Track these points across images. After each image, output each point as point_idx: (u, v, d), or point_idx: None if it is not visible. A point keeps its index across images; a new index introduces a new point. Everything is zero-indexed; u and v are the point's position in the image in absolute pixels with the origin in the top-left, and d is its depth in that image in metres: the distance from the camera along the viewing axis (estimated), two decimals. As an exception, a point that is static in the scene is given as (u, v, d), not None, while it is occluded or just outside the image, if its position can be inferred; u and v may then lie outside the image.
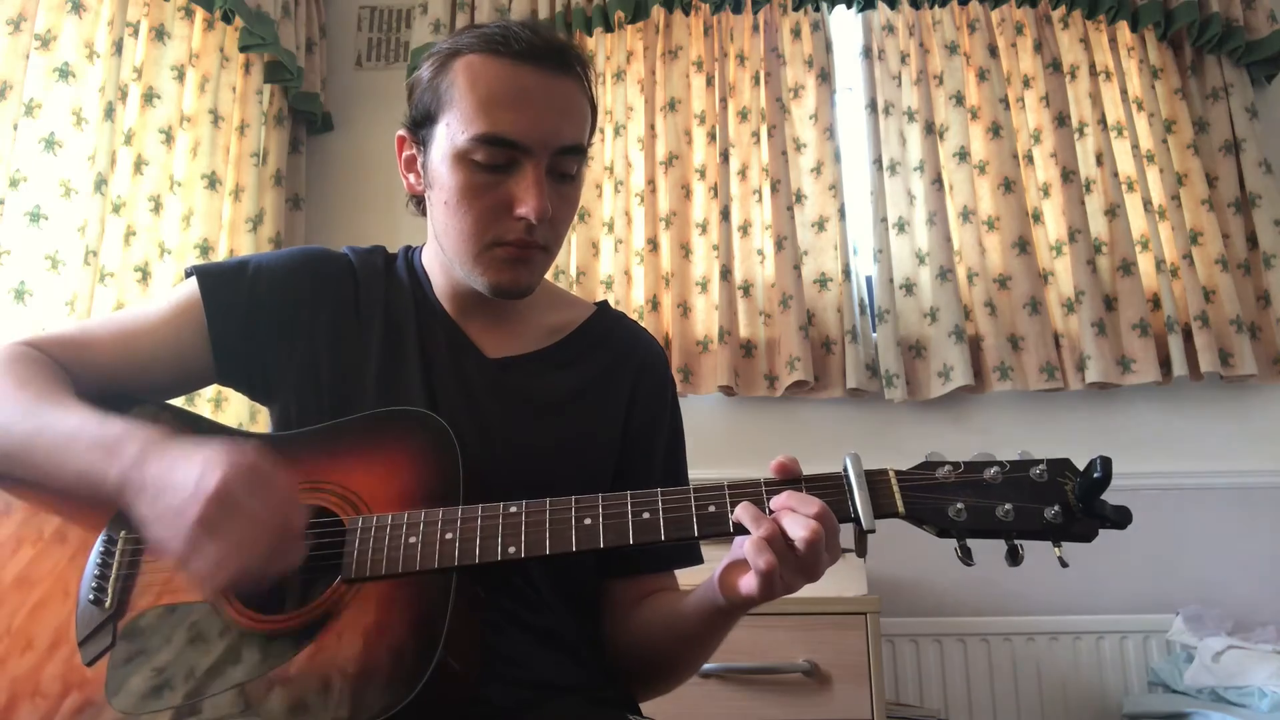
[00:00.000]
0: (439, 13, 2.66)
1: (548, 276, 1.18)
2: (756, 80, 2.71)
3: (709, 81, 2.71)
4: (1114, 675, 2.29)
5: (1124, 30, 2.71)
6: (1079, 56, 2.67)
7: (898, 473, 0.90)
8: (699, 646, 1.06)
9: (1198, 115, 2.65)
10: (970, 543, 0.87)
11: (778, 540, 0.84)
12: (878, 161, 2.60)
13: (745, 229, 2.61)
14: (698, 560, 1.15)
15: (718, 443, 2.51)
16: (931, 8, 2.71)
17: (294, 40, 2.51)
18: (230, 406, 2.26)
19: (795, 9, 2.73)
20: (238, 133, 2.44)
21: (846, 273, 2.53)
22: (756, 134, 2.68)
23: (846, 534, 0.88)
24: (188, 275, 1.12)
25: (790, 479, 0.90)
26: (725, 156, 2.60)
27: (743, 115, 2.68)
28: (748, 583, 0.87)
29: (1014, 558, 0.86)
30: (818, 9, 2.73)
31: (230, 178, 2.41)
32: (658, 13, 2.72)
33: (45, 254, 1.92)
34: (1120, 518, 0.84)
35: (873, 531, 0.86)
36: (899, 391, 2.43)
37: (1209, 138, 2.63)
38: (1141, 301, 2.46)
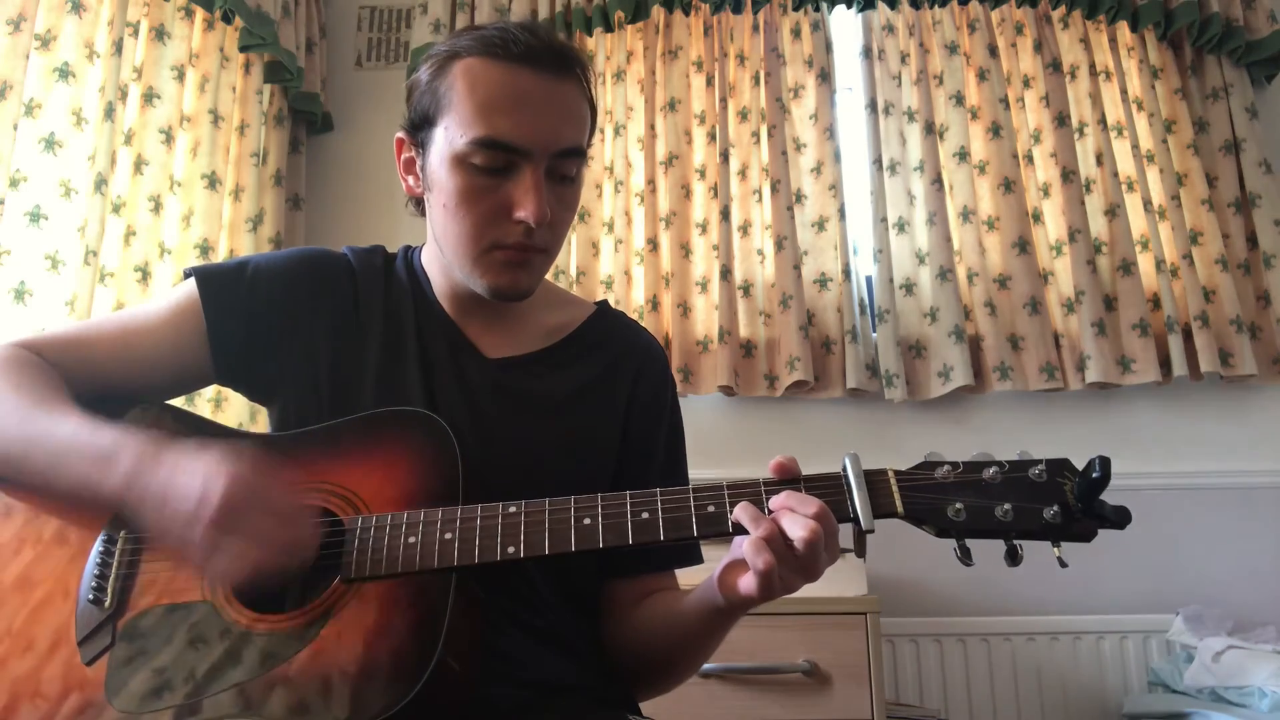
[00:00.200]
0: (439, 13, 2.66)
1: (547, 276, 1.18)
2: (756, 80, 2.71)
3: (709, 81, 2.71)
4: (1114, 675, 2.29)
5: (1124, 30, 2.71)
6: (1079, 56, 2.67)
7: (897, 473, 0.90)
8: (698, 647, 1.06)
9: (1198, 115, 2.65)
10: (969, 543, 0.87)
11: (776, 540, 0.84)
12: (878, 161, 2.60)
13: (745, 229, 2.61)
14: (698, 560, 1.15)
15: (718, 443, 2.51)
16: (931, 8, 2.71)
17: (294, 40, 2.51)
18: (230, 406, 2.26)
19: (795, 9, 2.73)
20: (238, 133, 2.44)
21: (846, 273, 2.53)
22: (756, 134, 2.68)
23: (846, 534, 0.88)
24: (187, 276, 1.12)
25: (789, 479, 0.90)
26: (725, 156, 2.60)
27: (743, 115, 2.69)
28: (746, 583, 0.87)
29: (1013, 558, 0.86)
30: (818, 9, 2.73)
31: (230, 178, 2.41)
32: (658, 13, 2.72)
33: (45, 254, 1.92)
34: (1119, 518, 0.84)
35: (871, 532, 0.86)
36: (899, 391, 2.43)
37: (1209, 138, 2.63)
38: (1141, 301, 2.46)
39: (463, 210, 1.02)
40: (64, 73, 2.00)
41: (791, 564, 0.85)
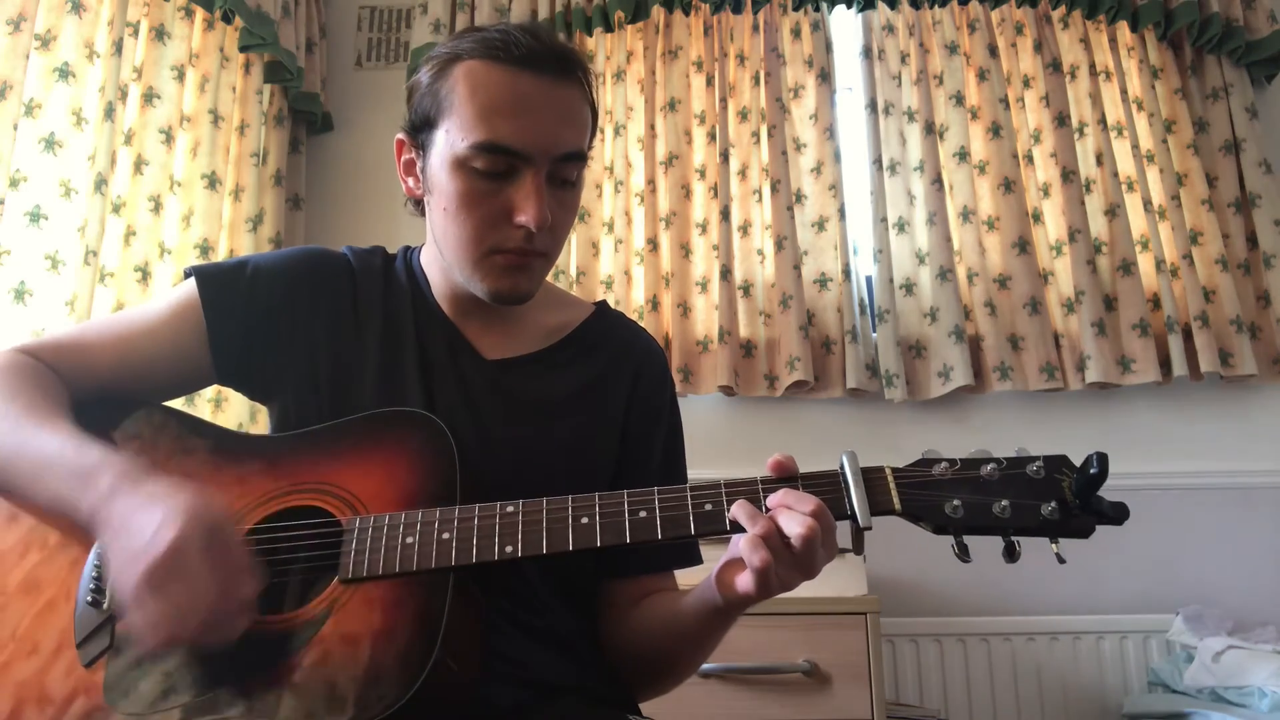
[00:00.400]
0: (439, 13, 2.66)
1: (547, 277, 1.18)
2: (756, 80, 2.71)
3: (709, 81, 2.71)
4: (1114, 675, 2.29)
5: (1124, 30, 2.71)
6: (1079, 56, 2.67)
7: (894, 470, 0.90)
8: (697, 646, 1.06)
9: (1198, 115, 2.65)
10: (968, 541, 0.87)
11: (774, 538, 0.84)
12: (878, 161, 2.60)
13: (745, 229, 2.61)
14: (696, 561, 1.14)
15: (717, 443, 2.51)
16: (931, 8, 2.71)
17: (294, 40, 2.51)
18: (230, 406, 2.26)
19: (795, 9, 2.73)
20: (238, 133, 2.44)
21: (846, 273, 2.53)
22: (756, 134, 2.68)
23: (844, 533, 0.88)
24: (186, 276, 1.12)
25: (787, 477, 0.90)
26: (725, 156, 2.60)
27: (743, 115, 2.69)
28: (744, 581, 0.87)
29: (1011, 554, 0.86)
30: (818, 9, 2.73)
31: (230, 178, 2.41)
32: (658, 13, 2.72)
33: (45, 254, 1.92)
34: (1117, 514, 0.84)
35: (869, 529, 0.86)
36: (899, 391, 2.43)
37: (1209, 138, 2.63)
38: (1141, 301, 2.46)
39: (463, 214, 1.01)
40: (64, 73, 2.00)
41: (789, 561, 0.85)
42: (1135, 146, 2.59)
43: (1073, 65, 2.67)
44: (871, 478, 0.89)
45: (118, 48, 2.08)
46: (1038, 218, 2.60)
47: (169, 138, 2.23)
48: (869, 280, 2.60)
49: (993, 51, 2.67)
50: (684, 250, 2.61)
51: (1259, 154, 2.57)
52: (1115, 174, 2.56)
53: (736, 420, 2.55)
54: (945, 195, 2.58)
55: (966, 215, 2.58)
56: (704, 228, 2.64)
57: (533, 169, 1.00)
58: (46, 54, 1.99)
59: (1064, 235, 2.53)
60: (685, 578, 1.13)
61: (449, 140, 1.01)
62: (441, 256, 1.09)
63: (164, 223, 2.22)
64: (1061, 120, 2.59)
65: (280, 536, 0.94)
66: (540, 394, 1.11)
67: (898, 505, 0.87)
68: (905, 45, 2.71)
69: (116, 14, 2.09)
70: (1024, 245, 2.52)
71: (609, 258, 2.59)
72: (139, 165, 2.17)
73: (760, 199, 2.64)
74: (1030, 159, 2.64)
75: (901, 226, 2.59)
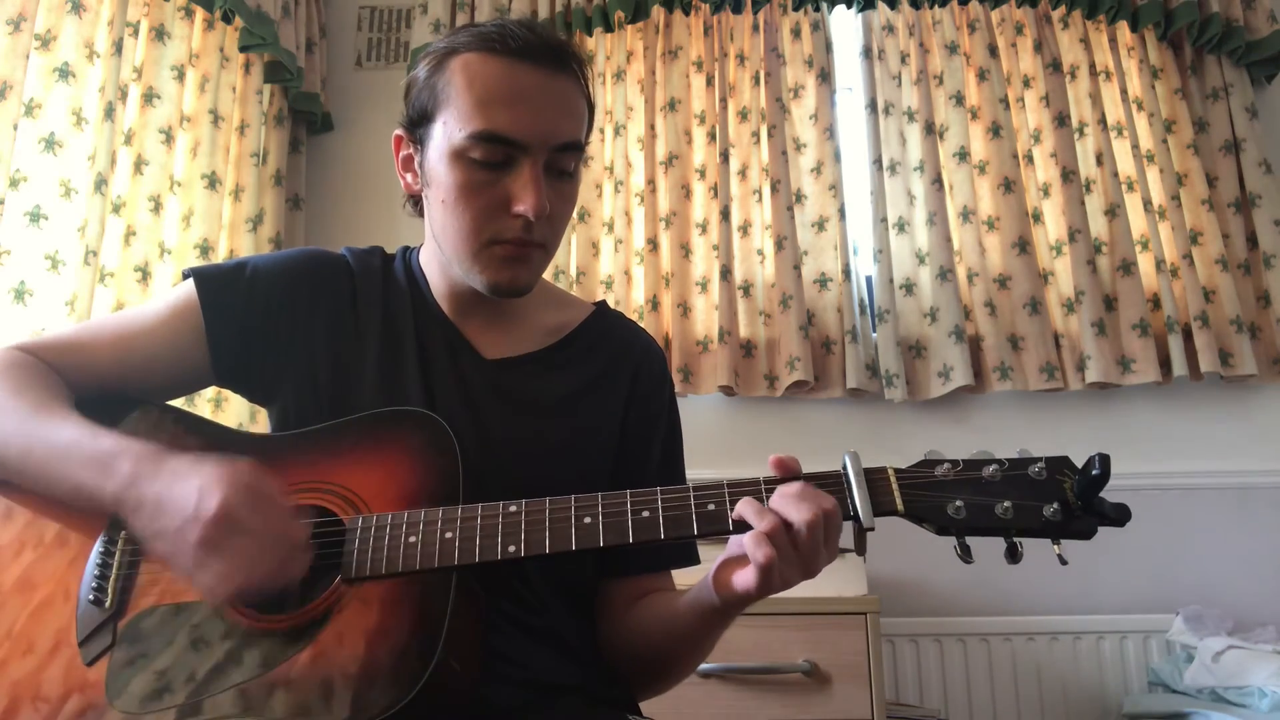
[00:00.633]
0: (439, 13, 2.66)
1: (547, 276, 1.18)
2: (756, 80, 2.71)
3: (709, 81, 2.71)
4: (1114, 675, 2.29)
5: (1124, 30, 2.71)
6: (1079, 56, 2.67)
7: (897, 471, 0.90)
8: (695, 646, 1.06)
9: (1198, 115, 2.65)
10: (970, 541, 0.87)
11: (779, 534, 0.84)
12: (878, 161, 2.60)
13: (745, 229, 2.61)
14: (694, 561, 1.15)
15: (718, 443, 2.51)
16: (931, 8, 2.71)
17: (294, 40, 2.51)
18: (230, 406, 2.26)
19: (795, 9, 2.73)
20: (238, 133, 2.44)
21: (846, 273, 2.53)
22: (756, 134, 2.68)
23: (846, 533, 0.88)
24: (185, 277, 1.12)
25: (789, 477, 0.90)
26: (725, 156, 2.60)
27: (743, 115, 2.69)
28: (744, 578, 0.87)
29: (1013, 555, 0.86)
30: (818, 9, 2.73)
31: (230, 178, 2.41)
32: (658, 13, 2.72)
33: (45, 254, 1.92)
34: (1119, 515, 0.84)
35: (872, 529, 0.86)
36: (899, 391, 2.43)
37: (1209, 138, 2.63)
38: (1141, 301, 2.46)
39: (461, 205, 1.01)
40: (64, 73, 2.00)
41: (791, 558, 0.85)
42: (1135, 146, 2.59)
43: (1073, 65, 2.67)
44: (874, 478, 0.89)
45: (118, 48, 2.08)
46: (1038, 218, 2.60)
47: (169, 138, 2.23)
48: (869, 280, 2.60)
49: (993, 51, 2.67)
50: (684, 250, 2.61)
51: (1259, 154, 2.57)
52: (1115, 174, 2.56)
53: (736, 420, 2.55)
54: (945, 195, 2.58)
55: (966, 215, 2.58)
56: (704, 228, 2.64)
57: (530, 159, 1.00)
58: (46, 54, 1.99)
59: (1064, 235, 2.53)
60: (683, 578, 1.13)
61: (446, 132, 1.01)
62: (441, 252, 1.09)
63: (164, 223, 2.22)
64: (1061, 120, 2.59)
65: (282, 536, 0.94)
66: (540, 393, 1.11)
67: (900, 506, 0.87)
68: (905, 45, 2.71)
69: (116, 14, 2.09)
70: (1024, 245, 2.52)
71: (609, 258, 2.59)
72: (139, 165, 2.17)
73: (760, 199, 2.64)
74: (1030, 159, 2.64)
75: (901, 226, 2.59)
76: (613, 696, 1.06)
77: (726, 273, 2.51)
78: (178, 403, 1.12)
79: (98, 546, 0.95)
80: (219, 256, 2.32)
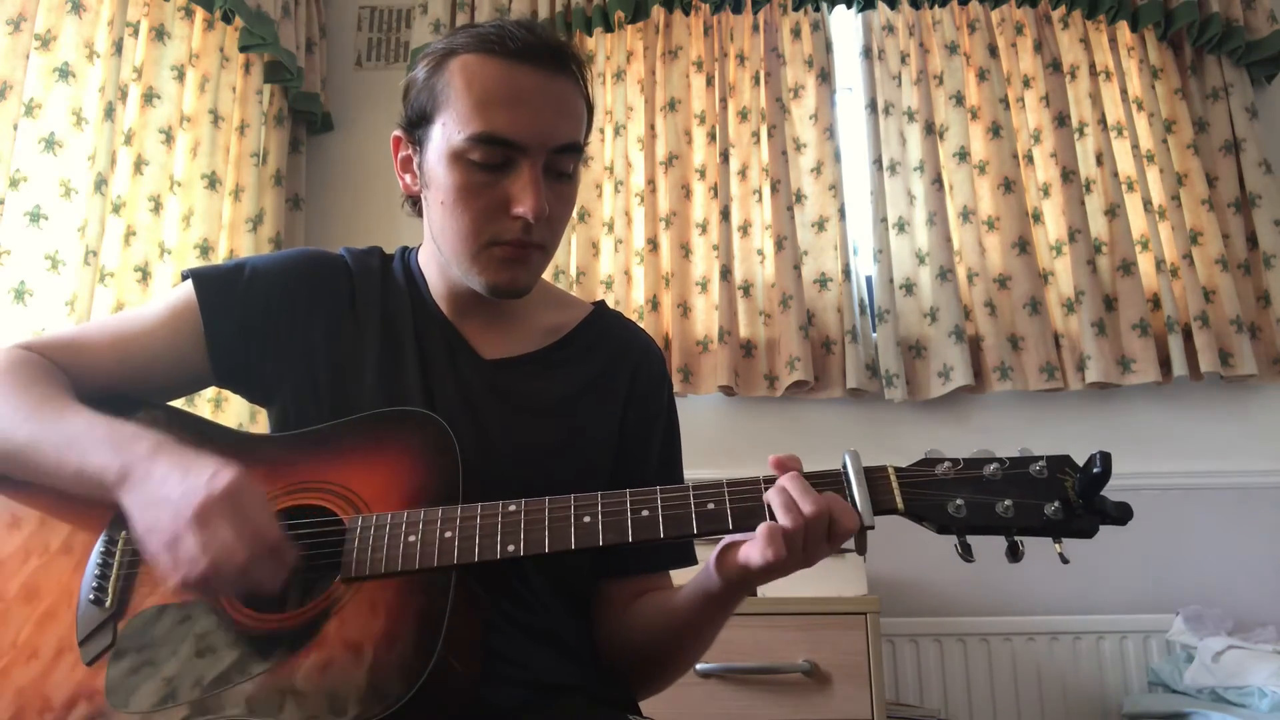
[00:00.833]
0: (439, 13, 2.66)
1: (547, 276, 1.18)
2: (756, 80, 2.71)
3: (709, 81, 2.71)
4: (1114, 675, 2.29)
5: (1124, 30, 2.71)
6: (1079, 56, 2.67)
7: (897, 469, 0.90)
8: (696, 636, 1.06)
9: (1198, 115, 2.65)
10: (970, 540, 0.87)
11: (796, 535, 0.85)
12: (878, 161, 2.60)
13: (745, 229, 2.61)
14: (692, 561, 1.15)
15: (718, 443, 2.51)
16: (931, 8, 2.72)
17: (294, 40, 2.51)
18: (230, 406, 2.26)
19: (795, 9, 2.73)
20: (238, 133, 2.44)
21: (846, 273, 2.53)
22: (756, 134, 2.68)
23: (846, 533, 0.88)
24: (184, 278, 1.12)
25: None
26: (725, 156, 2.60)
27: (743, 115, 2.69)
28: (749, 551, 0.87)
29: (1014, 554, 0.86)
30: (818, 9, 2.73)
31: (230, 178, 2.41)
32: (658, 13, 2.72)
33: (45, 254, 1.92)
34: (1121, 514, 0.84)
35: (872, 528, 0.86)
36: (899, 391, 2.43)
37: (1209, 138, 2.63)
38: (1141, 301, 2.46)
39: (460, 206, 1.01)
40: (64, 73, 2.00)
41: (798, 556, 0.86)
42: (1135, 146, 2.59)
43: (1073, 65, 2.67)
44: (874, 477, 0.89)
45: (118, 48, 2.08)
46: (1038, 218, 2.60)
47: (169, 138, 2.23)
48: (869, 280, 2.60)
49: (993, 51, 2.67)
50: (684, 250, 2.61)
51: (1259, 154, 2.57)
52: (1115, 174, 2.56)
53: (736, 420, 2.55)
54: (945, 195, 2.58)
55: (966, 215, 2.58)
56: (704, 228, 2.64)
57: (529, 160, 1.00)
58: (46, 54, 1.99)
59: (1064, 235, 2.53)
60: (681, 578, 1.13)
61: (445, 134, 1.01)
62: (440, 253, 1.09)
63: (164, 223, 2.22)
64: (1061, 120, 2.59)
65: (282, 535, 0.94)
66: (539, 393, 1.11)
67: (901, 504, 0.87)
68: (905, 45, 2.71)
69: (116, 14, 2.09)
70: (1024, 245, 2.52)
71: (609, 258, 2.59)
72: (139, 165, 2.17)
73: (760, 199, 2.64)
74: (1030, 159, 2.64)
75: (901, 226, 2.59)
76: (613, 696, 1.06)
77: (726, 273, 2.51)
78: (177, 403, 1.13)
79: (98, 546, 0.95)
80: (219, 256, 2.32)
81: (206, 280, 1.10)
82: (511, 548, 0.88)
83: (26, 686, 0.88)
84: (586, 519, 0.89)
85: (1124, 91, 2.64)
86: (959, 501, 0.86)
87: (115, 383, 1.07)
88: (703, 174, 2.67)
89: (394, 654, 0.84)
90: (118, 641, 0.89)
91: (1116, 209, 2.53)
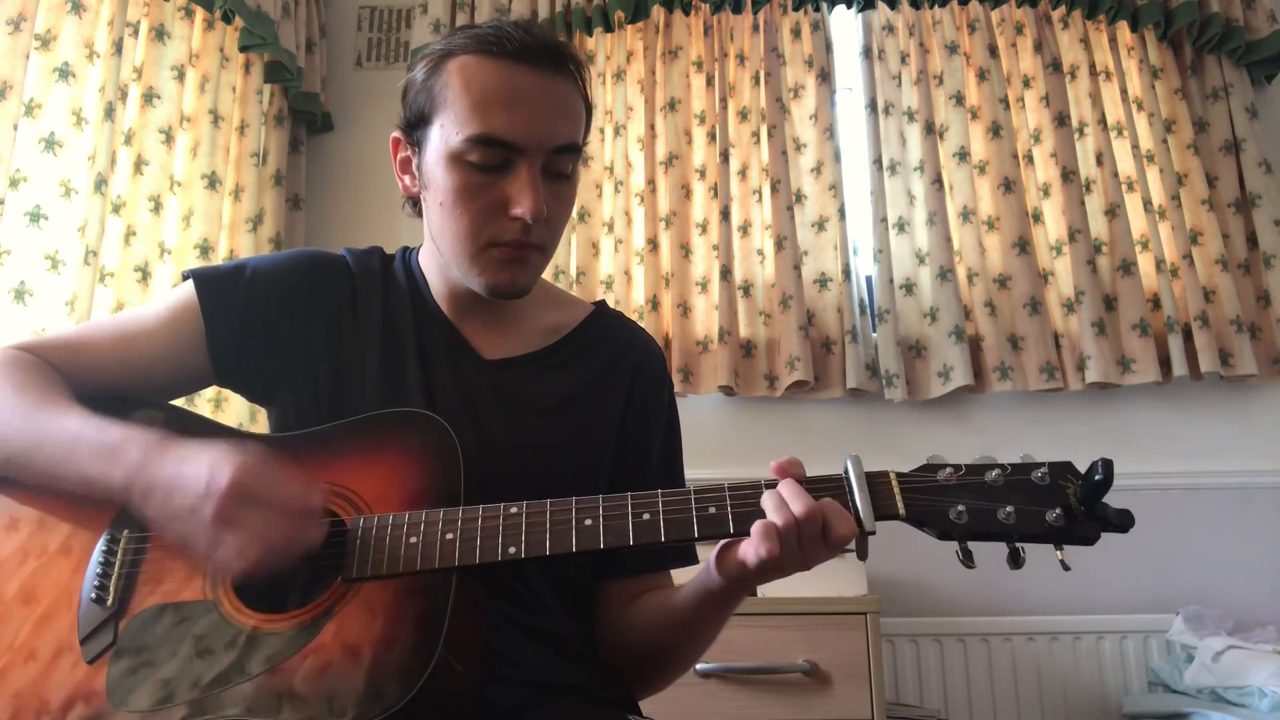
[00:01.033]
0: (439, 13, 2.66)
1: (547, 276, 1.18)
2: (756, 80, 2.71)
3: (709, 81, 2.71)
4: (1114, 675, 2.29)
5: (1124, 30, 2.71)
6: (1079, 56, 2.67)
7: (899, 475, 0.90)
8: (696, 634, 1.06)
9: (1198, 115, 2.65)
10: (971, 545, 0.87)
11: (790, 533, 0.85)
12: (878, 161, 2.60)
13: (745, 229, 2.61)
14: (693, 561, 1.15)
15: (718, 443, 2.51)
16: (931, 8, 2.71)
17: (294, 40, 2.51)
18: (230, 406, 2.26)
19: (795, 9, 2.73)
20: (238, 133, 2.44)
21: (846, 273, 2.53)
22: (756, 134, 2.68)
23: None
24: (185, 279, 1.12)
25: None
26: (725, 156, 2.60)
27: (743, 115, 2.68)
28: (747, 549, 0.87)
29: (1015, 560, 0.86)
30: (818, 9, 2.73)
31: (230, 178, 2.41)
32: (658, 13, 2.72)
33: (45, 254, 1.92)
34: (1122, 521, 0.84)
35: (873, 533, 0.87)
36: (899, 391, 2.43)
37: (1209, 138, 2.63)
38: (1141, 301, 2.46)
39: (459, 208, 1.02)
40: (64, 73, 2.00)
41: (795, 557, 0.86)
42: (1135, 146, 2.59)
43: (1073, 65, 2.67)
44: (876, 482, 0.89)
45: (118, 48, 2.08)
46: (1038, 218, 2.60)
47: (169, 138, 2.23)
48: (869, 280, 2.60)
49: (993, 51, 2.67)
50: (684, 250, 2.61)
51: (1259, 154, 2.57)
52: (1115, 174, 2.56)
53: (736, 420, 2.55)
54: (945, 195, 2.58)
55: (966, 215, 2.58)
56: (704, 228, 2.64)
57: (527, 161, 1.00)
58: (46, 54, 1.99)
59: (1064, 235, 2.53)
60: (681, 578, 1.13)
61: (444, 135, 1.01)
62: (439, 253, 1.09)
63: (164, 223, 2.22)
64: (1061, 120, 2.59)
65: (284, 536, 0.94)
66: (539, 394, 1.11)
67: (902, 510, 0.87)
68: (905, 45, 2.71)
69: (116, 14, 2.09)
70: (1024, 245, 2.52)
71: (609, 258, 2.59)
72: (139, 165, 2.17)
73: (760, 199, 2.64)
74: (1030, 159, 2.64)
75: (901, 226, 2.59)
76: (612, 696, 1.07)
77: (726, 273, 2.51)
78: (178, 403, 1.13)
79: (100, 545, 0.95)
80: (219, 256, 2.32)
81: (207, 280, 1.10)
82: (513, 550, 0.88)
83: (24, 688, 0.88)
84: (588, 522, 0.89)
85: (1124, 91, 2.63)
86: (960, 507, 0.86)
87: (116, 383, 1.07)
88: (703, 174, 2.67)
89: (394, 655, 0.84)
90: (119, 640, 0.89)
91: (1116, 209, 2.53)
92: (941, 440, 2.48)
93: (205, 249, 2.27)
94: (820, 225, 2.61)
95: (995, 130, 2.61)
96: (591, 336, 1.18)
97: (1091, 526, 0.85)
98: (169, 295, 1.12)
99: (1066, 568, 0.86)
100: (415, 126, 1.06)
